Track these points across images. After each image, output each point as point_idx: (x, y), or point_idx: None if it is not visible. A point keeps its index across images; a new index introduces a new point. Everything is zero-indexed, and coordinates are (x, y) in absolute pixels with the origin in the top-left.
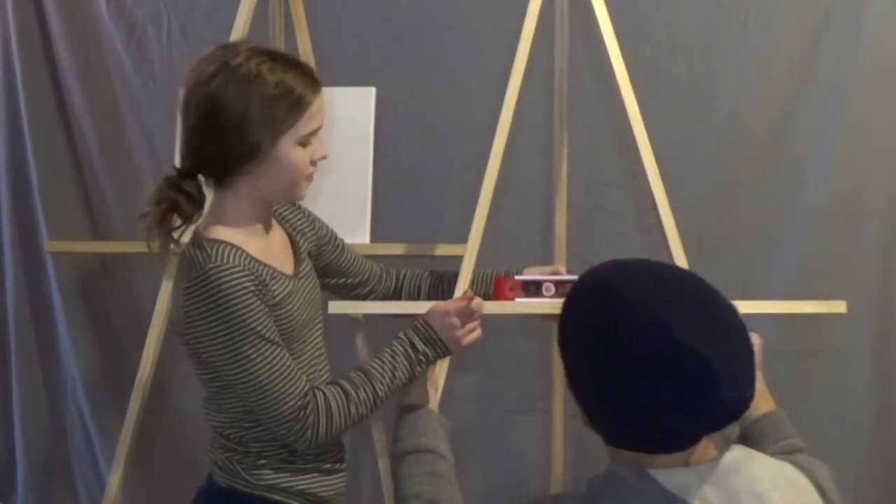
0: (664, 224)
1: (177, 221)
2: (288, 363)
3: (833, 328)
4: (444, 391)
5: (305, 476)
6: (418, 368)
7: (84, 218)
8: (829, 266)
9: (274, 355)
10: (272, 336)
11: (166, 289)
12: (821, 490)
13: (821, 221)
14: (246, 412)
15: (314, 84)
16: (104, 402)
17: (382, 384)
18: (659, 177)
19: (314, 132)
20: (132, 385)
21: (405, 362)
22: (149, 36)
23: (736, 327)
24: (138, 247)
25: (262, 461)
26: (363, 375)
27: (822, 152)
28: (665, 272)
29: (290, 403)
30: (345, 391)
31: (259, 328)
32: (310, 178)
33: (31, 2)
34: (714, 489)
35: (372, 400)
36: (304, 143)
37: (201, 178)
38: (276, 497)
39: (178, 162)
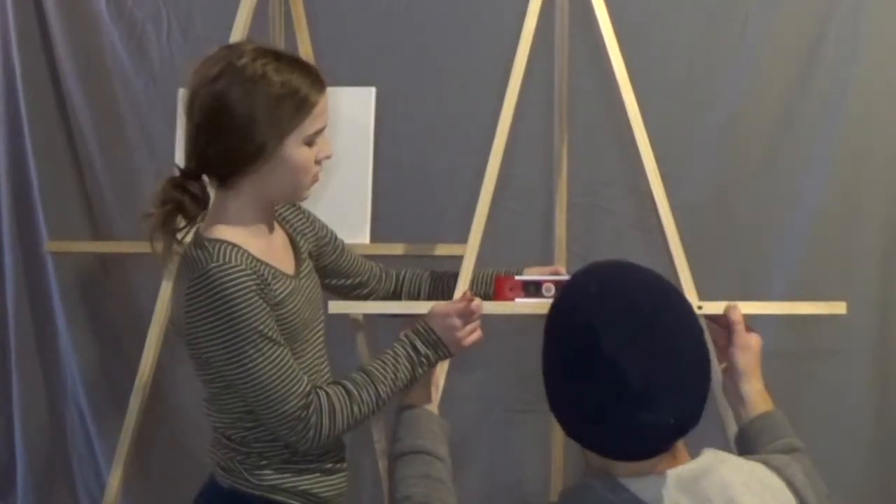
0: (664, 224)
1: (181, 222)
2: (290, 363)
3: (833, 328)
4: (444, 391)
5: (308, 476)
6: (420, 370)
7: (84, 218)
8: (829, 266)
9: (276, 355)
10: (274, 335)
11: (166, 289)
12: (795, 490)
13: (821, 221)
14: (247, 412)
15: (319, 84)
16: (104, 402)
17: (384, 385)
18: (659, 177)
19: (319, 132)
20: (132, 385)
21: (407, 364)
22: (149, 36)
23: (683, 353)
24: (138, 247)
25: (264, 461)
26: (365, 376)
27: (822, 152)
28: (624, 282)
29: (293, 403)
30: (347, 391)
31: (261, 327)
32: (315, 178)
33: (31, 2)
34: (686, 495)
35: (374, 400)
36: (309, 142)
37: (205, 178)
38: (279, 497)
39: (181, 162)
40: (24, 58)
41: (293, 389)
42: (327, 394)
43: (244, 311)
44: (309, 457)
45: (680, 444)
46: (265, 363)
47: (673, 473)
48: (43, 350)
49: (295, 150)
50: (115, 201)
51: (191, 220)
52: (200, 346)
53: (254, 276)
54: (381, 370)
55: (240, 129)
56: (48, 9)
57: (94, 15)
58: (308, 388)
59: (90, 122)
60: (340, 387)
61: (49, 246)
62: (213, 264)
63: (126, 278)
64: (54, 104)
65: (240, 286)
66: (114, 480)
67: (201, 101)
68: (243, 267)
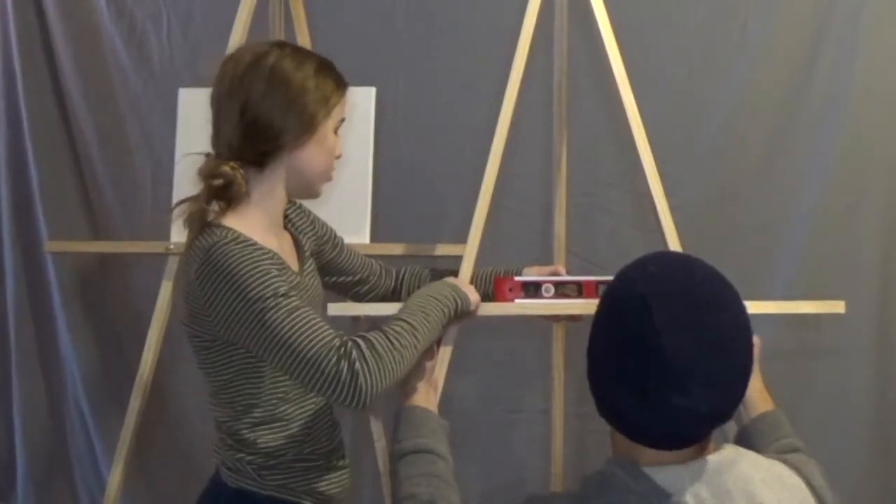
0: (663, 224)
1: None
2: (313, 316)
3: (833, 328)
4: (444, 391)
5: (313, 474)
6: (442, 309)
7: (84, 218)
8: (829, 266)
9: (296, 308)
10: (291, 292)
11: (166, 289)
12: (812, 489)
13: (821, 221)
14: (252, 405)
15: (342, 76)
16: (104, 402)
17: (412, 316)
18: (658, 177)
19: (342, 122)
20: (132, 385)
21: (430, 300)
22: (149, 36)
23: (727, 348)
24: (138, 247)
25: (272, 461)
26: (392, 319)
27: (822, 152)
28: (684, 269)
29: (325, 350)
30: (380, 329)
31: (276, 285)
32: (329, 175)
33: (31, 2)
34: (707, 487)
35: (409, 331)
36: (336, 130)
37: None
38: (287, 497)
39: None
40: (24, 58)
41: (322, 336)
42: (359, 336)
43: (256, 274)
44: (313, 455)
45: (709, 439)
46: (287, 317)
47: (695, 465)
48: (43, 350)
49: (331, 130)
50: (115, 201)
51: (230, 203)
52: (220, 324)
53: (258, 246)
54: (406, 308)
55: (296, 98)
56: (48, 9)
57: (94, 15)
58: (339, 335)
59: (90, 122)
60: (371, 332)
61: (49, 246)
62: (215, 240)
63: (126, 278)
64: (54, 104)
65: (248, 253)
66: (114, 480)
67: (252, 76)
68: (245, 240)
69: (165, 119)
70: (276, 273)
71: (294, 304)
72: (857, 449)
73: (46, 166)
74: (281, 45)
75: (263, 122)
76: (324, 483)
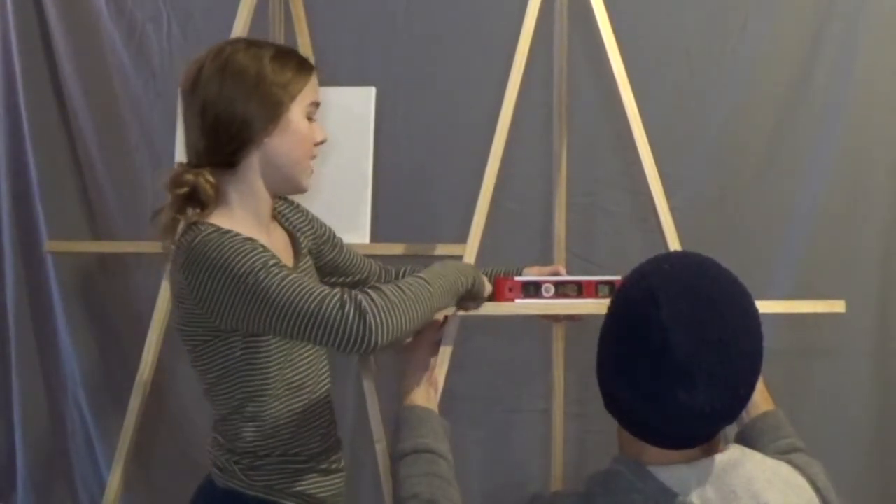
0: (663, 224)
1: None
2: (306, 279)
3: (833, 328)
4: (444, 391)
5: (303, 476)
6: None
7: (84, 218)
8: (829, 266)
9: (286, 273)
10: (282, 263)
11: (166, 289)
12: (817, 489)
13: (821, 221)
14: (242, 402)
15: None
16: (104, 402)
17: (430, 274)
18: (658, 177)
19: (315, 106)
20: (132, 385)
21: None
22: (149, 36)
23: (733, 349)
24: (138, 247)
25: (260, 462)
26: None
27: (822, 152)
28: (697, 268)
29: (326, 300)
30: (392, 283)
31: (265, 259)
32: (311, 166)
33: (31, 2)
34: (712, 487)
35: (422, 286)
36: (309, 115)
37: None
38: (274, 498)
39: (183, 156)
40: (24, 58)
41: (321, 290)
42: (371, 286)
43: (241, 252)
44: (304, 457)
45: (717, 440)
46: (281, 283)
47: (701, 465)
48: (43, 350)
49: (300, 117)
50: (115, 201)
51: (203, 208)
52: (217, 312)
53: (247, 237)
54: (425, 270)
55: (254, 87)
56: (48, 9)
57: (94, 15)
58: (337, 289)
59: (90, 122)
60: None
61: (49, 246)
62: (199, 234)
63: (126, 278)
64: (54, 104)
65: (229, 239)
66: (114, 480)
67: (207, 76)
68: (234, 232)
69: (165, 119)
70: (261, 249)
71: (285, 272)
72: (857, 449)
73: (46, 166)
74: (234, 42)
75: (226, 118)
76: (313, 486)
